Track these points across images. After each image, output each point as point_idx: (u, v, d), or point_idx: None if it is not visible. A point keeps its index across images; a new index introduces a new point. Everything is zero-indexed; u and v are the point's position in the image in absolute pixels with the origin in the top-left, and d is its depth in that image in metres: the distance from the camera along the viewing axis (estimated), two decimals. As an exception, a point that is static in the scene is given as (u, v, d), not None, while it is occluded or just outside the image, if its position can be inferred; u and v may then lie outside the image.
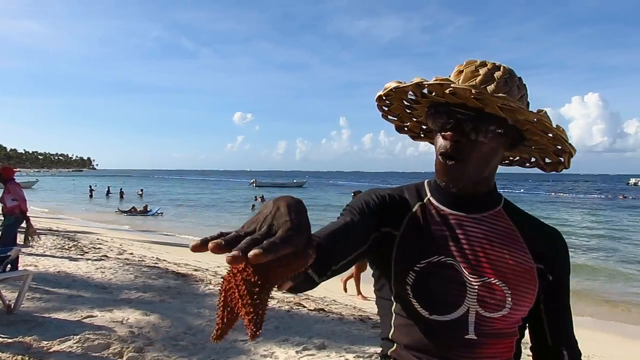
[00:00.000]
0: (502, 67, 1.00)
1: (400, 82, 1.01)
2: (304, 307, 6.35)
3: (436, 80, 0.94)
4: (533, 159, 1.17)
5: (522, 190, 66.17)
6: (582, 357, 1.10)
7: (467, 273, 1.00)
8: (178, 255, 11.53)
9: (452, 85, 0.92)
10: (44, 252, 9.58)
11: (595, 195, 58.66)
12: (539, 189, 75.06)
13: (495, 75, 0.98)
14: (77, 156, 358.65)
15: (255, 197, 37.19)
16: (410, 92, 1.06)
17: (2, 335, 4.29)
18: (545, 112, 0.94)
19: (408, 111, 1.15)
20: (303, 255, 0.59)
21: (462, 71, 1.00)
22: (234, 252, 0.53)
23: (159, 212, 27.36)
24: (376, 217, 1.04)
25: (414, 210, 1.08)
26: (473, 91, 0.90)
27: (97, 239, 13.67)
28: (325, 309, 6.37)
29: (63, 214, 25.53)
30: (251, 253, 0.52)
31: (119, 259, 9.58)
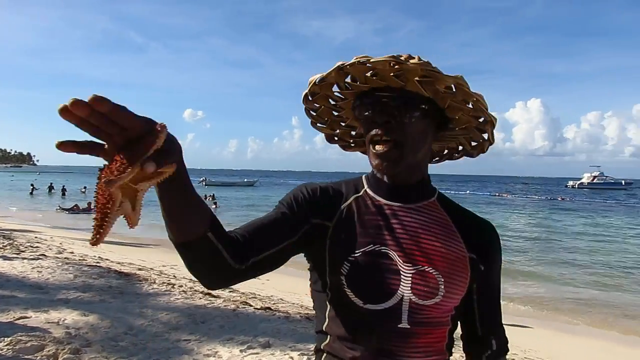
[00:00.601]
0: (417, 57, 1.00)
1: (323, 73, 1.02)
2: (251, 305, 6.30)
3: (356, 58, 0.95)
4: (460, 147, 1.20)
5: (467, 192, 68.24)
6: (508, 346, 1.15)
7: (401, 261, 1.01)
8: (122, 254, 11.22)
9: (371, 60, 0.94)
10: (-24, 251, 9.09)
11: (536, 197, 61.25)
12: (484, 190, 77.59)
13: (410, 62, 0.97)
14: (16, 151, 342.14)
15: (206, 195, 36.48)
16: (335, 88, 1.07)
17: None
18: (461, 76, 0.96)
19: (336, 114, 1.17)
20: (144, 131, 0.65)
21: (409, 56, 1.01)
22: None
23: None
24: (305, 209, 1.06)
25: (348, 202, 1.09)
26: (392, 63, 0.93)
27: (35, 237, 13.07)
28: (272, 308, 6.34)
29: (2, 211, 24.24)
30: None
31: (57, 258, 9.20)
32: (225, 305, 6.14)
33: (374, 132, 1.01)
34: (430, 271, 1.01)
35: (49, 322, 4.73)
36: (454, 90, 0.98)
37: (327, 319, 1.08)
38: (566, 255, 16.13)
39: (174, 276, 8.52)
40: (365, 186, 1.13)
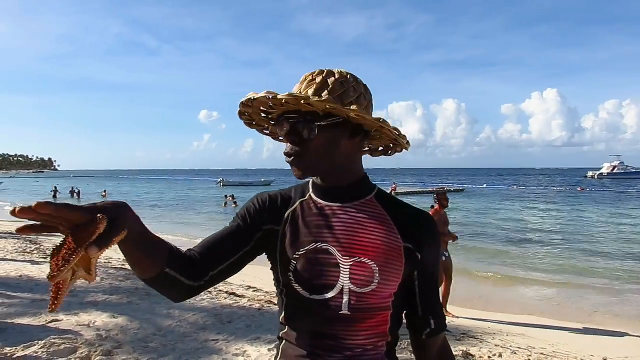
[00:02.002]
0: (337, 73, 1.15)
1: (246, 98, 1.15)
2: (276, 304, 6.34)
3: (267, 93, 1.08)
4: (381, 148, 1.33)
5: (484, 186, 67.59)
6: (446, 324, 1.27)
7: (340, 255, 1.14)
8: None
9: (278, 96, 1.07)
10: (5, 256, 9.31)
11: (555, 188, 60.35)
12: (502, 183, 76.78)
13: (329, 81, 1.12)
14: (37, 157, 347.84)
15: (226, 195, 36.86)
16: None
17: (-39, 343, 4.14)
18: (356, 109, 1.06)
19: (264, 116, 1.28)
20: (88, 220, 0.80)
21: (304, 80, 1.15)
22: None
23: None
24: (257, 218, 1.22)
25: (294, 206, 1.23)
26: (300, 100, 1.06)
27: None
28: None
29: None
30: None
31: (84, 261, 9.33)
32: (250, 305, 6.20)
33: (285, 147, 1.17)
34: (366, 262, 1.13)
35: (80, 325, 4.83)
36: (354, 116, 1.09)
37: (283, 312, 1.22)
38: (592, 247, 15.80)
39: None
40: (311, 190, 1.26)
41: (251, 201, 1.26)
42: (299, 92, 1.11)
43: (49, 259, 0.78)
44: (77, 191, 43.95)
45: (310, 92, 1.11)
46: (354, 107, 1.07)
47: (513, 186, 66.15)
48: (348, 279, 1.12)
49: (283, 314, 1.22)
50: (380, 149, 1.35)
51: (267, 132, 1.33)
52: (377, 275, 1.12)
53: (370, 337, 1.15)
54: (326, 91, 1.10)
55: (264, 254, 1.24)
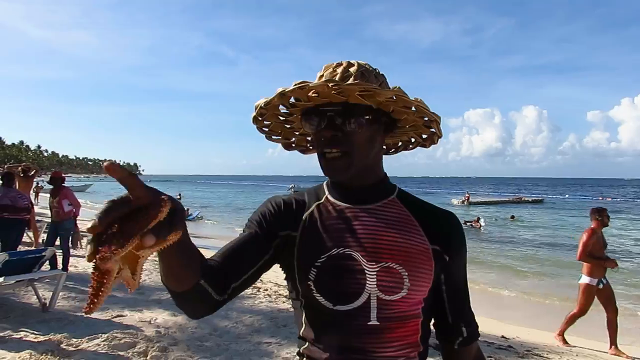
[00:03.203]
0: (356, 63, 1.07)
1: (266, 98, 1.08)
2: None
3: (295, 84, 1.01)
4: (413, 139, 1.25)
5: (566, 196, 64.03)
6: (479, 331, 1.19)
7: (365, 261, 1.04)
8: (214, 258, 11.70)
9: (310, 85, 0.99)
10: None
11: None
12: (586, 194, 72.32)
13: (351, 70, 1.06)
14: (124, 162, 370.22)
15: None
16: (281, 106, 1.13)
17: (35, 333, 4.46)
18: (399, 88, 1.02)
19: (288, 126, 1.22)
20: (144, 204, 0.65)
21: (322, 75, 1.09)
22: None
23: (198, 216, 27.88)
24: (273, 224, 1.13)
25: (310, 210, 1.15)
26: (330, 85, 0.97)
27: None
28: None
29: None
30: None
31: (155, 261, 9.79)
32: (307, 310, 6.20)
33: (322, 144, 1.06)
34: (394, 266, 1.04)
35: (142, 321, 5.05)
36: (394, 99, 1.02)
37: (303, 325, 1.12)
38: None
39: (261, 280, 8.75)
40: (326, 192, 1.18)
41: (264, 206, 1.17)
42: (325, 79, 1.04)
43: (88, 246, 0.65)
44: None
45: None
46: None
47: (598, 197, 62.18)
48: (375, 285, 1.03)
49: (303, 328, 1.12)
50: (399, 144, 1.29)
51: (279, 137, 1.25)
52: (407, 280, 1.03)
53: (402, 347, 1.05)
54: (351, 79, 1.02)
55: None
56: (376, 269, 1.03)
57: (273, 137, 1.26)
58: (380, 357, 1.03)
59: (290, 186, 72.21)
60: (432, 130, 1.17)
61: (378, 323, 1.03)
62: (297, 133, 1.26)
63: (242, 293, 6.08)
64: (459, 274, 1.14)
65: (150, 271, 8.14)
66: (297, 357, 1.15)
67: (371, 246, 1.05)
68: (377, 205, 1.12)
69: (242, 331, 5.01)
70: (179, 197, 45.34)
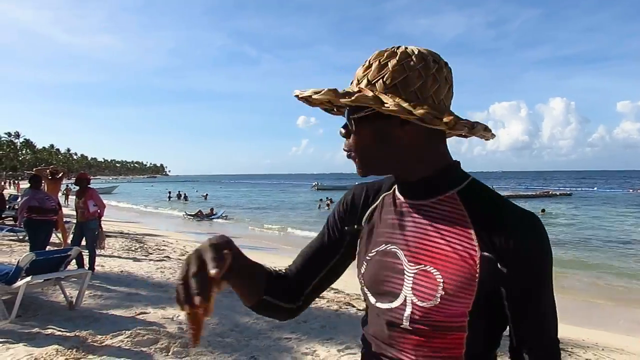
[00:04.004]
0: (400, 53, 0.96)
1: (297, 92, 1.04)
2: (354, 306, 6.33)
3: (298, 92, 1.01)
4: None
5: (594, 189, 62.55)
6: None
7: (406, 260, 0.99)
8: (237, 256, 11.79)
9: (313, 97, 0.98)
10: (112, 253, 10.12)
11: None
12: (616, 186, 70.49)
13: (389, 64, 0.95)
14: (151, 163, 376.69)
15: (321, 199, 38.08)
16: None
17: (61, 329, 4.59)
18: (396, 103, 0.89)
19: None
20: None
21: (369, 65, 0.99)
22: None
23: (224, 215, 28.17)
24: (343, 221, 1.14)
25: (377, 201, 1.12)
26: (324, 102, 1.00)
27: (163, 241, 14.25)
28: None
29: (137, 217, 26.76)
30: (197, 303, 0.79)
31: (180, 259, 9.94)
32: (328, 306, 6.23)
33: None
34: (431, 271, 0.95)
35: (164, 318, 5.14)
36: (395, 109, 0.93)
37: (365, 313, 1.13)
38: None
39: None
40: (395, 186, 1.10)
41: (343, 198, 1.18)
42: (356, 79, 1.00)
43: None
44: (183, 195, 47.39)
45: (364, 82, 0.97)
46: (397, 99, 0.91)
47: (629, 189, 60.58)
48: (410, 289, 0.96)
49: (364, 316, 1.14)
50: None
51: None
52: (441, 288, 0.92)
53: (438, 358, 0.97)
54: (381, 80, 0.94)
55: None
56: (414, 271, 0.97)
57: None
58: None
59: (314, 184, 72.53)
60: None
61: (410, 327, 0.97)
62: None
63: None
64: (527, 290, 0.92)
65: (174, 270, 8.28)
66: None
67: (415, 246, 0.98)
68: (432, 202, 1.01)
69: (263, 327, 5.05)
70: (204, 197, 46.17)
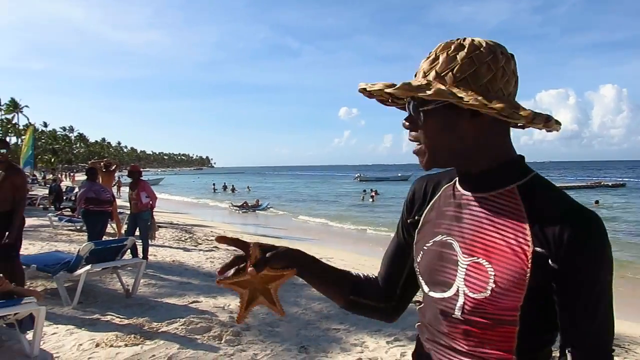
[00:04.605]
0: (469, 45, 0.96)
1: (364, 85, 1.05)
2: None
3: (369, 86, 1.02)
4: None
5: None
6: None
7: (460, 252, 1.01)
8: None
9: (385, 91, 0.98)
10: (163, 243, 10.45)
11: None
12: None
13: (458, 57, 0.95)
14: (197, 155, 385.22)
15: (365, 190, 38.00)
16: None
17: (119, 316, 4.80)
18: (472, 96, 0.89)
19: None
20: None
21: (429, 56, 1.01)
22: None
23: (268, 206, 28.55)
24: (409, 212, 1.18)
25: (439, 193, 1.13)
26: (386, 90, 0.97)
27: (211, 231, 14.60)
28: (423, 302, 6.26)
29: (185, 208, 27.47)
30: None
31: (228, 250, 10.15)
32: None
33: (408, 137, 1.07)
34: (483, 263, 0.96)
35: (216, 307, 5.28)
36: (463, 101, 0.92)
37: (421, 303, 1.15)
38: None
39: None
40: (457, 177, 1.10)
41: (406, 198, 1.22)
42: (422, 72, 0.99)
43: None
44: (231, 186, 48.35)
45: (432, 74, 0.96)
46: (470, 93, 0.90)
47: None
48: (462, 280, 0.99)
49: (420, 305, 1.14)
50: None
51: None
52: (492, 281, 0.94)
53: (489, 353, 0.97)
54: (450, 73, 0.94)
55: None
56: (467, 263, 0.99)
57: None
58: (466, 353, 0.99)
59: (357, 175, 72.42)
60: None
61: (462, 318, 0.98)
62: None
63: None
64: (578, 288, 0.91)
65: (224, 260, 8.47)
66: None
67: (470, 238, 1.00)
68: (491, 195, 1.01)
69: (312, 318, 5.12)
70: (248, 190, 46.92)
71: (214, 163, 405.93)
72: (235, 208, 27.68)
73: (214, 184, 51.08)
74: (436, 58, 0.98)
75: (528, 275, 0.92)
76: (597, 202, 28.23)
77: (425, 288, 1.08)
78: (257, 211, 26.92)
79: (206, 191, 47.56)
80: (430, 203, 1.13)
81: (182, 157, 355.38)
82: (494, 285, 0.93)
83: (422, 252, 1.08)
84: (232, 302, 5.46)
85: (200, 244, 11.03)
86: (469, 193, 1.04)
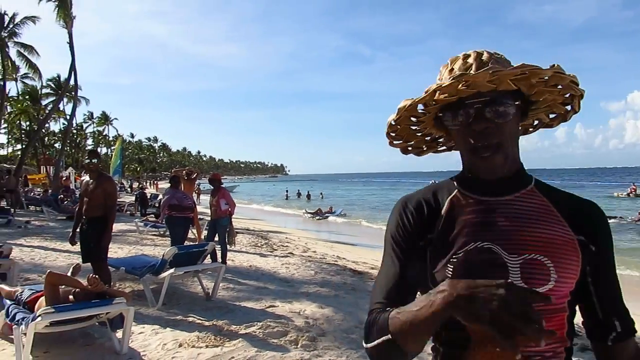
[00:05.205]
0: (484, 52, 1.05)
1: (411, 99, 1.05)
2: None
3: (452, 78, 0.97)
4: (536, 122, 1.21)
5: None
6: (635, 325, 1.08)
7: (506, 254, 1.01)
8: (358, 254, 11.93)
9: (470, 77, 0.95)
10: (240, 248, 10.76)
11: None
12: None
13: (483, 58, 1.03)
14: (272, 163, 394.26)
15: None
16: (420, 106, 1.08)
17: (200, 318, 4.97)
18: (557, 65, 0.96)
19: (413, 128, 1.20)
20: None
21: (452, 69, 1.06)
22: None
23: (342, 213, 28.63)
24: (415, 239, 1.09)
25: (445, 208, 1.11)
26: (489, 75, 0.94)
27: (286, 237, 14.84)
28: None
29: (261, 215, 28.14)
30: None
31: (302, 256, 10.30)
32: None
33: (474, 139, 1.03)
34: (539, 258, 1.00)
35: (292, 312, 5.35)
36: (546, 78, 1.00)
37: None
38: None
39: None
40: (458, 187, 1.13)
41: (398, 218, 1.13)
42: (455, 73, 1.02)
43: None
44: (306, 193, 48.64)
45: (497, 66, 0.98)
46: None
47: None
48: (519, 278, 0.99)
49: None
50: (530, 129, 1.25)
51: (400, 142, 1.24)
52: (553, 272, 0.99)
53: (549, 343, 1.00)
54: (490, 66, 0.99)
55: None
56: (519, 262, 1.00)
57: (395, 142, 1.24)
58: (526, 350, 0.98)
59: (431, 182, 71.02)
60: (568, 108, 1.12)
61: None
62: (420, 134, 1.23)
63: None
64: (607, 264, 1.07)
65: (298, 265, 8.58)
66: (433, 353, 1.11)
67: (512, 239, 1.02)
68: (516, 196, 1.07)
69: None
70: (321, 196, 47.30)
71: (288, 170, 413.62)
72: (309, 215, 27.98)
73: (287, 191, 51.44)
74: (465, 63, 1.04)
75: (579, 261, 1.02)
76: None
77: None
78: (328, 218, 27.06)
79: (281, 198, 48.36)
80: (442, 217, 1.09)
81: (258, 165, 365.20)
82: (556, 276, 0.99)
83: (451, 266, 1.02)
84: (308, 308, 5.51)
85: (275, 249, 11.24)
86: (492, 198, 1.08)
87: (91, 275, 4.03)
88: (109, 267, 5.64)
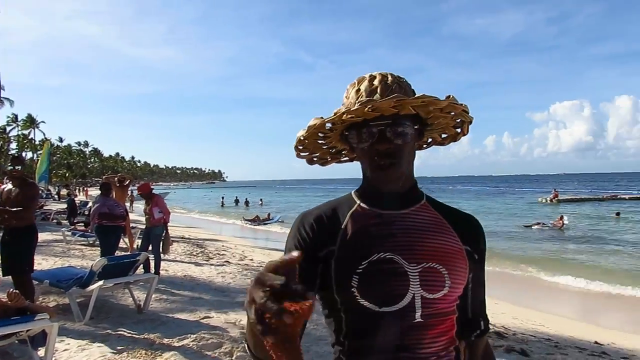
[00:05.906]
0: (389, 75, 1.15)
1: (321, 118, 1.13)
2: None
3: (360, 104, 1.05)
4: (430, 139, 1.32)
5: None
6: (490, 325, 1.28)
7: (406, 263, 1.09)
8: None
9: (376, 103, 1.04)
10: (175, 257, 10.47)
11: None
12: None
13: (388, 82, 1.13)
14: (209, 169, 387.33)
15: None
16: (328, 124, 1.15)
17: (131, 332, 4.80)
18: (452, 96, 1.08)
19: (320, 142, 1.27)
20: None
21: (359, 89, 1.14)
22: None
23: (280, 219, 28.54)
24: (313, 249, 1.12)
25: (346, 220, 1.17)
26: (393, 102, 1.03)
27: (223, 246, 14.61)
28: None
29: (197, 222, 27.54)
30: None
31: (239, 264, 10.19)
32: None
33: (376, 157, 1.12)
34: (435, 267, 1.10)
35: (227, 322, 5.27)
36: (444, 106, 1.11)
37: (344, 329, 1.13)
38: None
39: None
40: (358, 201, 1.21)
41: (298, 231, 1.16)
42: (360, 96, 1.13)
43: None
44: (245, 200, 47.78)
45: (377, 97, 1.09)
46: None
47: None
48: (418, 285, 1.08)
49: (343, 333, 1.12)
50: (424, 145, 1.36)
51: (306, 154, 1.30)
52: (448, 279, 1.11)
53: (443, 343, 1.12)
54: (388, 91, 1.11)
55: None
56: (418, 270, 1.09)
57: (302, 154, 1.30)
58: (425, 353, 1.09)
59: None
60: (458, 130, 1.25)
61: (422, 320, 1.08)
62: (325, 147, 1.30)
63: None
64: (482, 271, 1.23)
65: (235, 274, 8.48)
66: None
67: (410, 249, 1.11)
68: (412, 210, 1.18)
69: (323, 333, 5.07)
70: (260, 203, 46.87)
71: (226, 177, 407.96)
72: (247, 222, 27.70)
73: (222, 198, 49.59)
74: (371, 85, 1.13)
75: (466, 268, 1.16)
76: (617, 214, 27.81)
77: (374, 307, 1.07)
78: (267, 224, 26.91)
79: (217, 205, 47.31)
80: (342, 230, 1.14)
81: (195, 171, 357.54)
82: (450, 282, 1.11)
83: (357, 276, 1.07)
84: (244, 318, 5.44)
85: (211, 258, 11.04)
86: (391, 211, 1.16)
87: (11, 289, 3.80)
88: (32, 280, 5.32)
